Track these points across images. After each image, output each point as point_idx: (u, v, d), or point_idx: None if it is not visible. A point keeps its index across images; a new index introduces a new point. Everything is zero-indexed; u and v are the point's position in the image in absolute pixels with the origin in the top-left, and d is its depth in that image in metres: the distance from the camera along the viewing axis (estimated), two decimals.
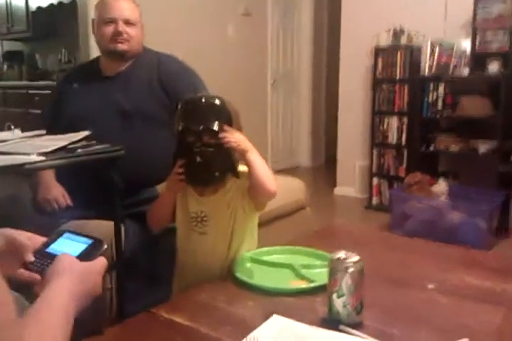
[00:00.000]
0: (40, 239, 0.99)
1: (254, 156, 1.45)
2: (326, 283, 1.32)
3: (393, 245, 1.77)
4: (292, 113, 6.09)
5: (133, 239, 1.95)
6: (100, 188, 1.86)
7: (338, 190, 4.98)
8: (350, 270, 1.14)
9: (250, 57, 5.35)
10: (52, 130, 1.92)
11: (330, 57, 6.24)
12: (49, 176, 2.08)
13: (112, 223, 1.89)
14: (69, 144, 1.65)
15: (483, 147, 3.82)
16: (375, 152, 4.44)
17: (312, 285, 1.33)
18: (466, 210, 3.48)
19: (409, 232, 3.51)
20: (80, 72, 2.26)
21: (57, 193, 2.04)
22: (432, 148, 4.05)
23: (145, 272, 1.95)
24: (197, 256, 1.53)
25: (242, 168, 1.50)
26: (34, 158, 1.41)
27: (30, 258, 0.95)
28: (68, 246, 0.96)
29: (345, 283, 1.14)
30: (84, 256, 0.92)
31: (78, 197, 2.04)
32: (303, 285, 1.35)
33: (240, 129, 1.50)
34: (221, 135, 1.43)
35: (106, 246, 0.95)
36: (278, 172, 2.45)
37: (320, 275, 1.39)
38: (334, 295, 1.16)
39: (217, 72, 4.38)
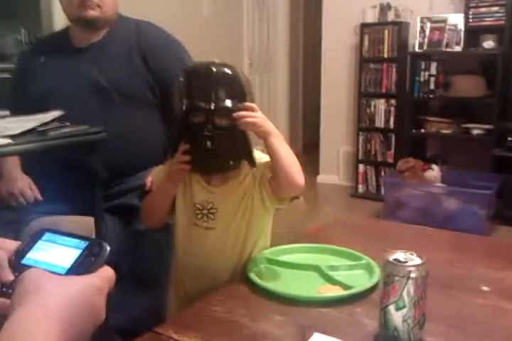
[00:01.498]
0: (13, 244, 0.67)
1: (279, 141, 1.16)
2: (366, 289, 1.09)
3: (421, 239, 1.54)
4: (269, 97, 5.82)
5: (114, 238, 1.67)
6: (75, 178, 1.59)
7: (322, 178, 4.75)
8: (413, 275, 0.89)
9: (226, 37, 5.05)
10: (17, 111, 1.64)
11: (307, 36, 5.99)
12: (13, 165, 1.79)
13: (89, 219, 1.63)
14: (39, 126, 1.38)
15: (476, 129, 3.63)
16: (361, 137, 4.22)
17: (352, 291, 1.08)
18: (463, 196, 3.30)
19: (403, 221, 3.31)
20: (47, 43, 1.95)
21: (23, 185, 1.75)
22: (422, 131, 3.85)
23: (130, 276, 1.68)
24: (201, 257, 1.26)
25: (259, 154, 1.23)
26: None
27: (8, 276, 0.62)
28: (53, 253, 0.64)
29: (407, 292, 0.89)
30: (81, 269, 0.61)
31: (49, 189, 1.75)
32: (338, 291, 1.10)
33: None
34: (236, 114, 1.15)
35: (109, 249, 0.64)
36: None
37: (353, 278, 1.16)
38: (391, 307, 0.91)
39: (191, 53, 4.08)
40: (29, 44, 4.61)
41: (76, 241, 0.65)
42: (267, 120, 1.17)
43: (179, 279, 1.34)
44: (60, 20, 3.56)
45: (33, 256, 0.64)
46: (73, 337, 0.56)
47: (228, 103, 1.15)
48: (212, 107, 1.14)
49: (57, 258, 0.63)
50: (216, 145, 1.17)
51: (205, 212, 1.24)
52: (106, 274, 0.62)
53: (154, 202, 1.29)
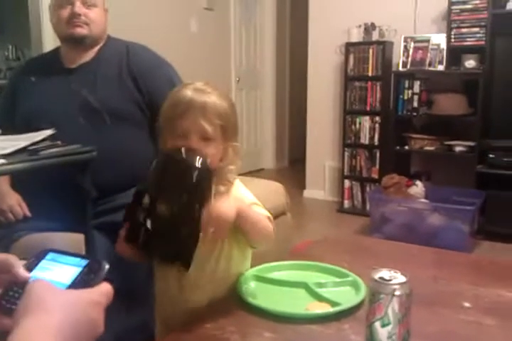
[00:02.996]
0: (20, 261, 0.71)
1: (252, 213, 1.16)
2: (353, 306, 1.12)
3: (406, 256, 1.57)
4: (256, 113, 5.88)
5: (102, 255, 1.68)
6: (64, 196, 1.60)
7: (308, 193, 4.79)
8: (398, 293, 0.92)
9: (214, 54, 5.11)
10: (6, 130, 1.65)
11: (293, 53, 6.09)
12: (2, 182, 1.80)
13: (78, 236, 1.64)
14: (30, 145, 1.39)
15: (459, 146, 3.70)
16: (346, 153, 4.28)
17: (339, 308, 1.10)
18: (446, 212, 3.34)
19: (388, 236, 3.35)
20: (38, 63, 1.97)
21: (12, 202, 1.76)
22: (406, 148, 3.92)
23: (118, 293, 1.69)
24: (177, 293, 1.24)
25: (239, 184, 1.23)
26: None
27: (24, 274, 0.68)
28: (55, 271, 0.69)
29: (392, 309, 0.93)
30: (80, 284, 0.67)
31: (38, 206, 1.76)
32: (326, 308, 1.12)
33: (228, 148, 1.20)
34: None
35: (107, 267, 0.69)
36: (243, 175, 2.18)
37: (340, 295, 1.18)
38: (377, 324, 0.94)
39: (179, 69, 4.11)
40: (16, 60, 4.62)
41: (77, 259, 0.70)
42: (231, 204, 1.11)
43: (160, 303, 1.33)
44: (49, 36, 3.59)
45: (36, 274, 0.68)
46: None
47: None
48: (152, 210, 1.08)
49: (59, 275, 0.68)
50: (151, 237, 1.10)
51: None
52: (104, 289, 0.66)
53: None
